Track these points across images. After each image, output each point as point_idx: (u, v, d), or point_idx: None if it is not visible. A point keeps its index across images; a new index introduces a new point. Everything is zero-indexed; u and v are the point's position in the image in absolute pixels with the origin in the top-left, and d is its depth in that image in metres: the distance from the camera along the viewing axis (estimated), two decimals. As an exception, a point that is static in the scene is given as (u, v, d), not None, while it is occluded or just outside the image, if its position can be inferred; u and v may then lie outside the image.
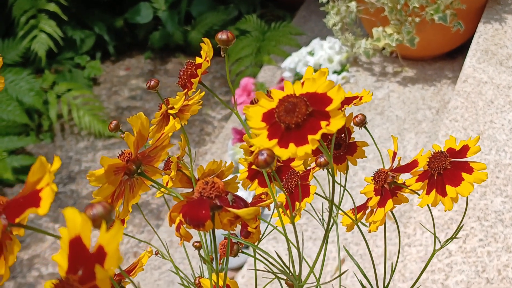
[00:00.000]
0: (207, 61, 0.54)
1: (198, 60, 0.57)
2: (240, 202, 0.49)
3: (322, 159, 0.62)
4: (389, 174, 0.71)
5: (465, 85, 2.09)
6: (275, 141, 0.46)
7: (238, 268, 2.20)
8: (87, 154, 2.86)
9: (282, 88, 1.98)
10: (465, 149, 0.67)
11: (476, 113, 1.98)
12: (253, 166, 0.80)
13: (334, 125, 0.44)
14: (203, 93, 0.83)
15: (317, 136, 0.44)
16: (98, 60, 3.10)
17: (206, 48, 0.56)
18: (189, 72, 0.56)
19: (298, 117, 0.45)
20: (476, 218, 1.62)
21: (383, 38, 2.37)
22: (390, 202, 0.69)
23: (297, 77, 2.58)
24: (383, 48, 2.41)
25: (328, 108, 0.45)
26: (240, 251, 0.75)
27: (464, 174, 0.65)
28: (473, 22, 2.39)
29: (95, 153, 2.89)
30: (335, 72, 2.52)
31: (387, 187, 0.71)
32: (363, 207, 0.75)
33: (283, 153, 0.45)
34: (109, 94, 3.03)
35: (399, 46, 2.37)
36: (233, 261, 2.21)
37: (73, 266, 0.33)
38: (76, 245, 0.33)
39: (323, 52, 2.54)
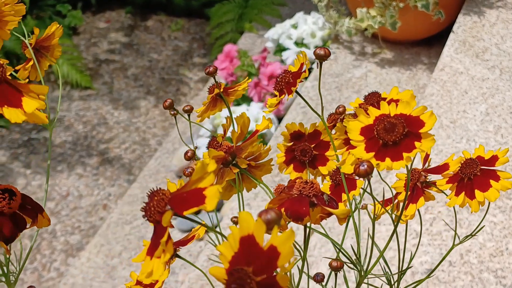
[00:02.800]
0: (305, 71, 0.62)
1: (291, 68, 0.64)
2: (333, 202, 0.57)
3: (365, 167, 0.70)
4: (422, 174, 0.80)
5: (442, 74, 2.19)
6: (372, 154, 0.54)
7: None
8: (62, 103, 2.88)
9: (264, 58, 2.03)
10: (494, 159, 0.77)
11: (451, 101, 2.09)
12: (354, 176, 0.86)
13: (425, 145, 0.53)
14: (250, 79, 0.90)
15: (412, 154, 0.52)
16: (79, 10, 3.10)
17: (302, 59, 0.63)
18: (286, 80, 0.63)
19: (396, 136, 0.53)
20: (443, 203, 1.74)
21: (367, 19, 2.46)
22: (422, 200, 0.78)
23: (279, 48, 2.65)
24: (365, 29, 2.49)
25: (421, 131, 0.53)
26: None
27: (492, 181, 0.75)
28: (452, 12, 2.49)
29: (70, 103, 2.91)
30: (316, 47, 2.60)
31: (419, 185, 0.80)
32: (390, 200, 0.84)
33: (379, 166, 0.53)
34: (88, 45, 3.04)
35: (380, 28, 2.46)
36: (205, 222, 2.29)
37: (244, 259, 0.41)
38: (248, 242, 0.41)
39: (307, 26, 2.61)
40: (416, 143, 0.53)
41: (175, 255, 0.78)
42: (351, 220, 0.69)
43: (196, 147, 0.88)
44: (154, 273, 0.44)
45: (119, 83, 2.92)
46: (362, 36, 2.64)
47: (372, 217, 0.71)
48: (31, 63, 0.84)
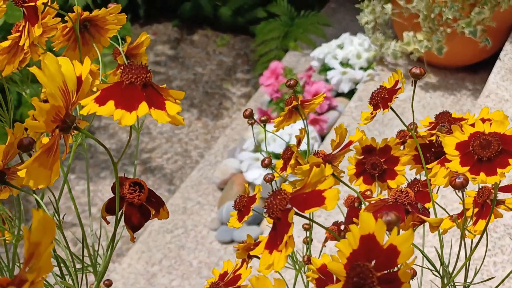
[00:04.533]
0: (400, 88, 0.65)
1: (385, 84, 0.68)
2: (426, 211, 0.61)
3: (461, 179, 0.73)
4: (492, 192, 0.83)
5: (487, 100, 2.22)
6: (467, 168, 0.57)
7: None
8: (108, 111, 2.94)
9: (309, 76, 2.08)
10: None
11: (496, 128, 2.11)
12: (448, 185, 0.90)
13: (519, 163, 0.56)
14: (325, 94, 0.94)
15: (506, 170, 0.56)
16: (128, 22, 3.16)
17: (397, 76, 0.66)
18: (381, 95, 0.67)
19: (491, 152, 0.56)
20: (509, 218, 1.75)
21: (413, 43, 2.49)
22: (492, 217, 0.81)
23: (324, 67, 2.69)
24: (411, 53, 2.53)
25: (515, 149, 0.56)
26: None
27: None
28: (499, 40, 2.51)
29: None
30: (361, 68, 2.64)
31: (489, 202, 0.83)
32: (460, 215, 0.87)
33: (475, 180, 0.56)
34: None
35: (426, 52, 2.49)
36: (245, 234, 2.32)
37: (363, 256, 0.45)
38: (368, 240, 0.44)
39: (353, 47, 2.65)
40: (510, 160, 0.56)
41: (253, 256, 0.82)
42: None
43: (270, 156, 0.91)
44: (275, 265, 0.48)
45: (164, 95, 2.97)
46: (407, 59, 2.67)
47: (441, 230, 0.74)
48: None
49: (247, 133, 2.63)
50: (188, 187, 2.58)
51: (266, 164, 0.88)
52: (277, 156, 2.39)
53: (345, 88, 2.61)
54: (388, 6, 2.51)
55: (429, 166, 0.66)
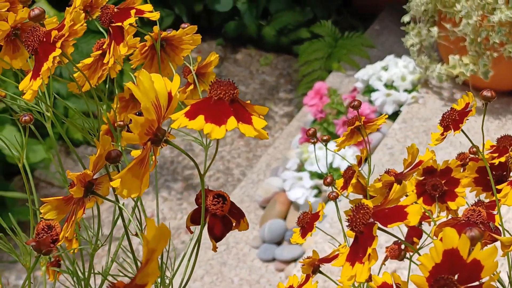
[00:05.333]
0: (471, 110, 0.67)
1: (455, 106, 0.70)
2: (498, 230, 0.62)
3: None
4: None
5: (534, 125, 2.21)
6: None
7: (292, 261, 2.33)
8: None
9: (354, 97, 2.11)
10: None
11: (542, 153, 2.10)
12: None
13: None
14: (386, 115, 0.96)
15: None
16: (174, 40, 3.22)
17: (468, 99, 0.68)
18: (452, 117, 0.68)
19: None
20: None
21: (459, 66, 2.49)
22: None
23: (368, 89, 2.70)
24: (456, 76, 2.53)
25: None
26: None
27: None
28: (546, 66, 2.50)
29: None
30: (405, 90, 2.65)
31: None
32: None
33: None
34: (179, 73, 3.15)
35: (471, 76, 2.49)
36: (287, 253, 2.33)
37: (446, 269, 0.46)
38: (452, 255, 0.46)
39: (397, 69, 2.66)
40: None
41: (317, 271, 0.84)
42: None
43: (331, 174, 0.93)
44: (358, 277, 0.50)
45: (208, 112, 3.01)
46: (452, 83, 2.67)
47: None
48: (191, 87, 0.91)
49: (290, 152, 2.65)
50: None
51: (328, 183, 0.90)
52: (320, 176, 2.40)
53: (389, 110, 2.62)
54: (434, 29, 2.52)
55: (499, 186, 0.68)
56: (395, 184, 0.51)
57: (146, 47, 0.81)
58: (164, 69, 0.81)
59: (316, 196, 2.37)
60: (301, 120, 2.84)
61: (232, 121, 0.50)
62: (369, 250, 0.49)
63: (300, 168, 2.48)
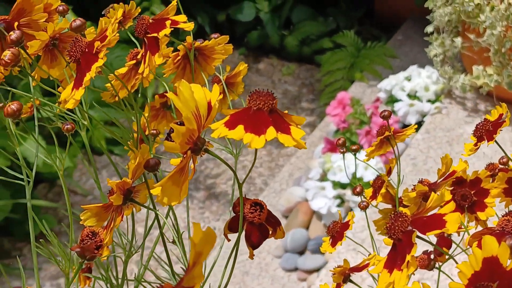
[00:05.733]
0: (504, 121, 0.67)
1: (488, 117, 0.70)
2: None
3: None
4: None
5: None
6: None
7: (314, 271, 2.33)
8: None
9: (377, 108, 2.10)
10: None
11: None
12: None
13: None
14: (416, 126, 0.96)
15: None
16: (197, 50, 3.24)
17: (501, 110, 0.69)
18: (486, 128, 0.69)
19: None
20: None
21: (483, 77, 2.49)
22: None
23: (391, 99, 2.70)
24: (480, 87, 2.52)
25: None
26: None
27: None
28: None
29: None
30: (429, 101, 2.64)
31: None
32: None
33: None
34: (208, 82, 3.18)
35: (495, 86, 2.48)
36: (309, 263, 2.33)
37: (486, 277, 0.47)
38: (491, 263, 0.47)
39: (420, 80, 2.66)
40: None
41: (348, 280, 0.84)
42: None
43: (360, 184, 0.94)
44: (396, 284, 0.50)
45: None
46: (475, 93, 2.66)
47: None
48: (220, 96, 0.92)
49: (312, 162, 2.66)
50: (253, 213, 2.61)
51: (358, 192, 0.90)
52: (343, 186, 2.40)
53: (412, 120, 2.62)
54: (458, 40, 2.51)
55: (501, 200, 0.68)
56: (432, 193, 0.52)
57: (179, 57, 0.82)
58: (196, 79, 0.82)
59: (339, 205, 2.37)
60: (323, 130, 2.85)
61: (271, 131, 0.51)
62: (408, 257, 0.50)
63: (323, 177, 2.48)
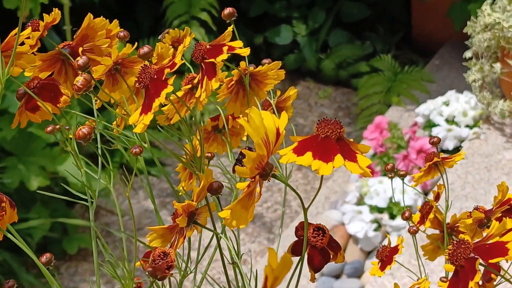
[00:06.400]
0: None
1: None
2: None
3: None
4: None
5: None
6: None
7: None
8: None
9: (414, 132, 2.10)
10: None
11: None
12: None
13: None
14: (464, 152, 0.96)
15: None
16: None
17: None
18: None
19: None
20: None
21: (522, 102, 2.48)
22: None
23: (429, 123, 2.70)
24: (520, 112, 2.51)
25: None
26: None
27: None
28: None
29: (218, 157, 3.05)
30: (467, 126, 2.63)
31: None
32: None
33: None
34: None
35: (535, 113, 2.47)
36: (346, 286, 2.33)
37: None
38: None
39: (459, 105, 2.66)
40: None
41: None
42: None
43: (409, 208, 0.94)
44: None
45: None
46: (514, 119, 2.65)
47: None
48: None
49: (349, 185, 2.66)
50: (289, 236, 2.61)
51: (407, 217, 0.91)
52: (380, 210, 2.40)
53: (449, 145, 2.61)
54: (497, 65, 2.51)
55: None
56: (494, 221, 0.53)
57: (233, 82, 0.84)
58: (248, 103, 0.84)
59: (375, 230, 2.37)
60: (360, 154, 2.85)
61: (339, 159, 0.52)
62: (471, 284, 0.51)
63: (360, 201, 2.48)
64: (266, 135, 0.53)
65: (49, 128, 0.86)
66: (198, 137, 0.96)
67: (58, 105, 0.69)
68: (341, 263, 2.40)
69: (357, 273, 2.37)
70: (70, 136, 0.85)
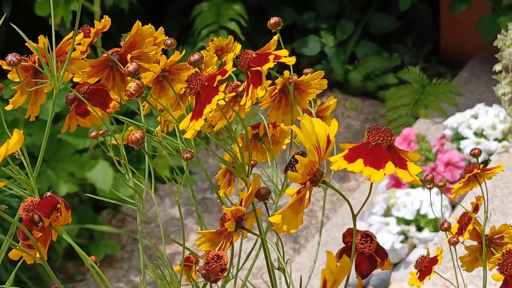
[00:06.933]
0: None
1: None
2: None
3: None
4: None
5: None
6: None
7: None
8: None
9: (442, 145, 2.09)
10: None
11: None
12: None
13: None
14: (503, 164, 0.96)
15: None
16: (262, 82, 3.29)
17: None
18: None
19: None
20: None
21: (552, 117, 2.46)
22: None
23: (457, 136, 2.68)
24: (549, 126, 2.49)
25: None
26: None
27: None
28: None
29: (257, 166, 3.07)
30: (495, 139, 2.62)
31: None
32: None
33: None
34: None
35: None
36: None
37: None
38: None
39: (488, 118, 2.64)
40: None
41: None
42: None
43: (446, 220, 0.94)
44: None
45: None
46: (544, 133, 2.63)
47: None
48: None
49: (376, 197, 2.65)
50: (315, 246, 2.62)
51: (445, 228, 0.92)
52: (407, 222, 2.39)
53: (478, 158, 2.59)
54: (527, 79, 2.49)
55: None
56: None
57: (276, 90, 0.85)
58: (290, 112, 0.85)
59: (402, 242, 2.36)
60: (387, 165, 2.84)
61: (390, 166, 0.53)
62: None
63: (387, 213, 2.48)
64: (317, 141, 0.54)
65: (93, 133, 0.88)
66: (241, 145, 0.97)
67: (107, 110, 0.70)
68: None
69: (383, 284, 2.36)
70: (113, 142, 0.86)
